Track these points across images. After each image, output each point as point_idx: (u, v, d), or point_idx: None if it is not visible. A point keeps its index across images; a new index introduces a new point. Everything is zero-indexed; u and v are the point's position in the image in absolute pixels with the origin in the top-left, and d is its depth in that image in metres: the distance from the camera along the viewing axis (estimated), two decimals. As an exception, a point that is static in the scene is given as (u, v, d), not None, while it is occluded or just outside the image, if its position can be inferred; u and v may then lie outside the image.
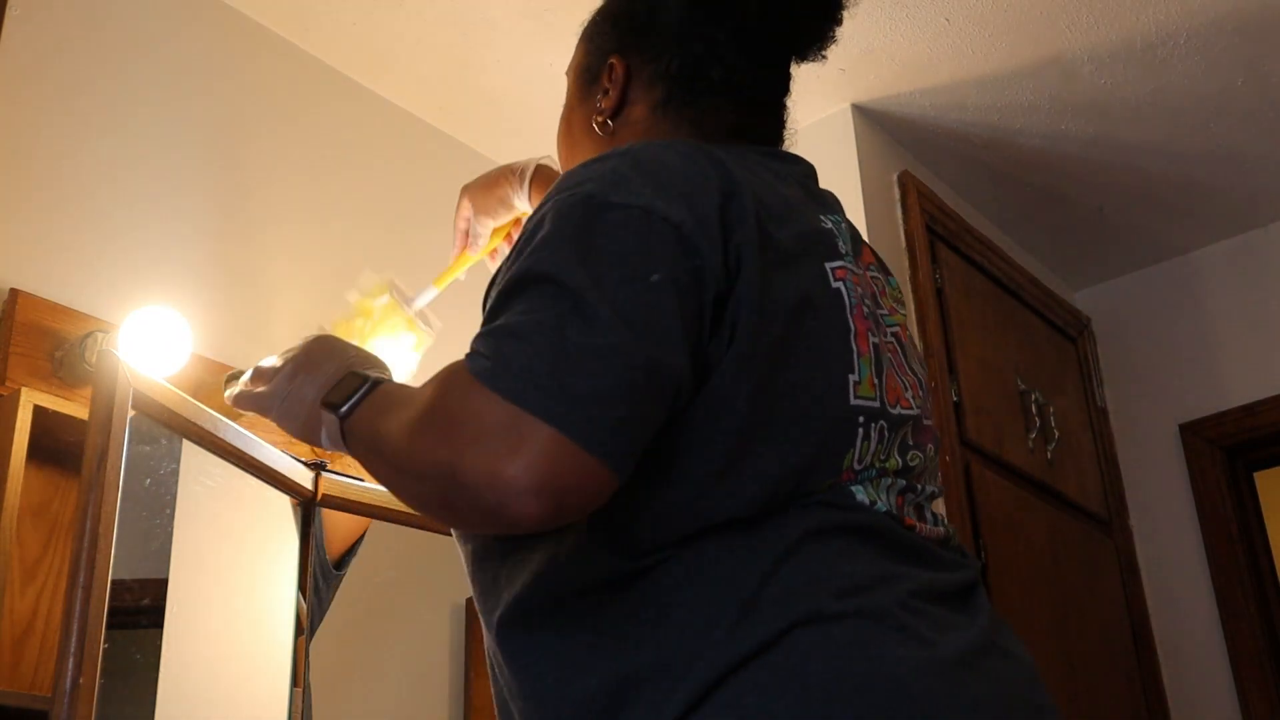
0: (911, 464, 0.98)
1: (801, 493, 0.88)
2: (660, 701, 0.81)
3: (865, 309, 0.98)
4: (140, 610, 1.49)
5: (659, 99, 1.08)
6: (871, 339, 0.97)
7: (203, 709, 1.53)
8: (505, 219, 1.58)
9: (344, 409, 0.91)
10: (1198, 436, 2.98)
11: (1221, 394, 2.98)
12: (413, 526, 1.97)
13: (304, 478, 1.79)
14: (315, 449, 1.96)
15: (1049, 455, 2.78)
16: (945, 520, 1.01)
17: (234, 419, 1.71)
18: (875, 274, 1.07)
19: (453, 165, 2.50)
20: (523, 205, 1.56)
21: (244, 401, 1.07)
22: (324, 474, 1.83)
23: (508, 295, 0.84)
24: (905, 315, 1.10)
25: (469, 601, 2.09)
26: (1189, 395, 3.02)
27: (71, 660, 1.25)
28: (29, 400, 1.61)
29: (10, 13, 1.59)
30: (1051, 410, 2.84)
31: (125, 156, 1.93)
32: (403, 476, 0.85)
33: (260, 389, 1.03)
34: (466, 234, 1.60)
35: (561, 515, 0.77)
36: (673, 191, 0.88)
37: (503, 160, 2.59)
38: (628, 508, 0.84)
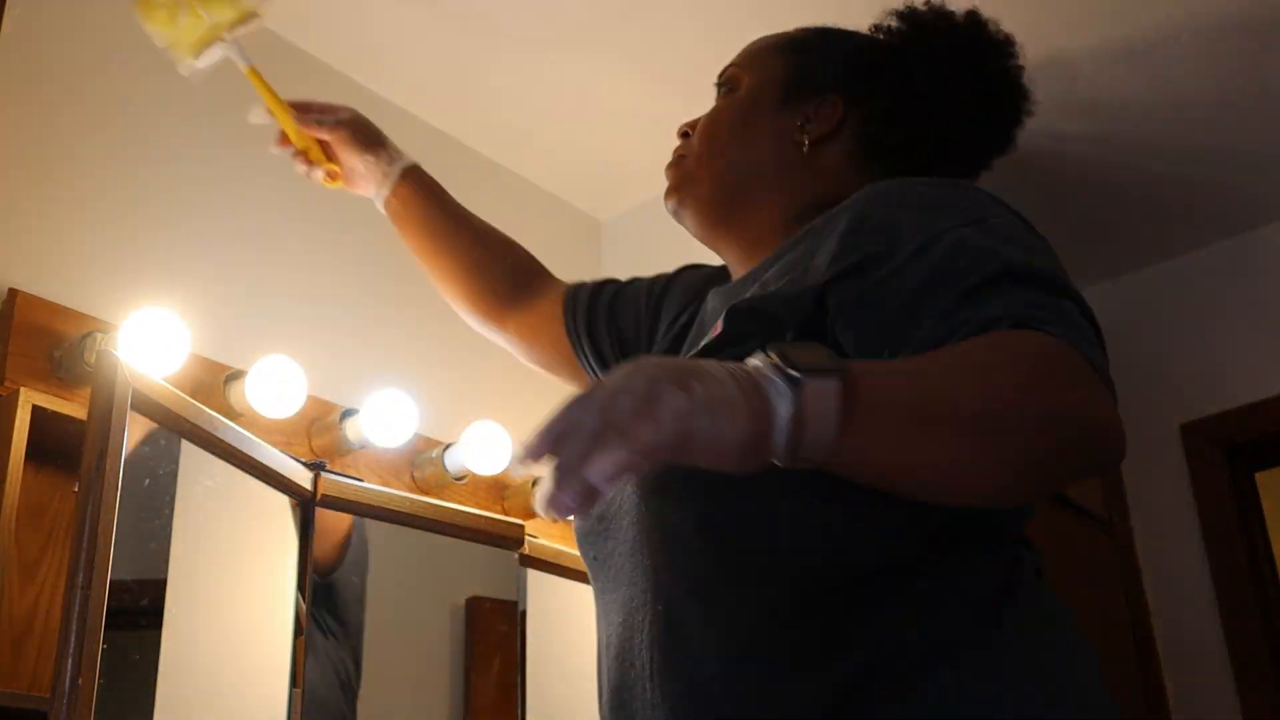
0: None
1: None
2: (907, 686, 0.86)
3: None
4: (139, 611, 1.49)
5: (856, 150, 1.15)
6: None
7: (202, 709, 1.53)
8: (323, 135, 1.54)
9: (845, 375, 0.73)
10: (1198, 437, 2.98)
11: (1222, 394, 2.97)
12: (413, 527, 1.97)
13: (303, 478, 1.79)
14: (308, 452, 1.96)
15: (1049, 455, 2.77)
16: None
17: (232, 419, 1.71)
18: None
19: (453, 165, 2.50)
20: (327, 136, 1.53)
21: (619, 462, 0.69)
22: (323, 474, 1.82)
23: (1026, 282, 0.88)
24: None
25: (469, 601, 2.09)
26: (1189, 395, 3.02)
27: (70, 660, 1.24)
28: (28, 400, 1.61)
29: (10, 12, 1.59)
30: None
31: (125, 156, 1.93)
32: (1015, 432, 0.78)
33: (642, 428, 0.68)
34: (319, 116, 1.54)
35: None
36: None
37: (504, 160, 2.60)
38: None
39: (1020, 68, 1.18)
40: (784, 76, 1.18)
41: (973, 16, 1.18)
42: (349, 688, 1.86)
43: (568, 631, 2.07)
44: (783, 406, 0.71)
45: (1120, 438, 0.82)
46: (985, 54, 1.17)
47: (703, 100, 1.27)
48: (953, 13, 1.18)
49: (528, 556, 2.10)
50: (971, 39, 1.17)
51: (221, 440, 1.61)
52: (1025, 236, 0.95)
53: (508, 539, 2.07)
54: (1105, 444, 0.82)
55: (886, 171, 1.11)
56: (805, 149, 1.14)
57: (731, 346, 0.95)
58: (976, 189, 1.01)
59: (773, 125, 1.16)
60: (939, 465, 0.78)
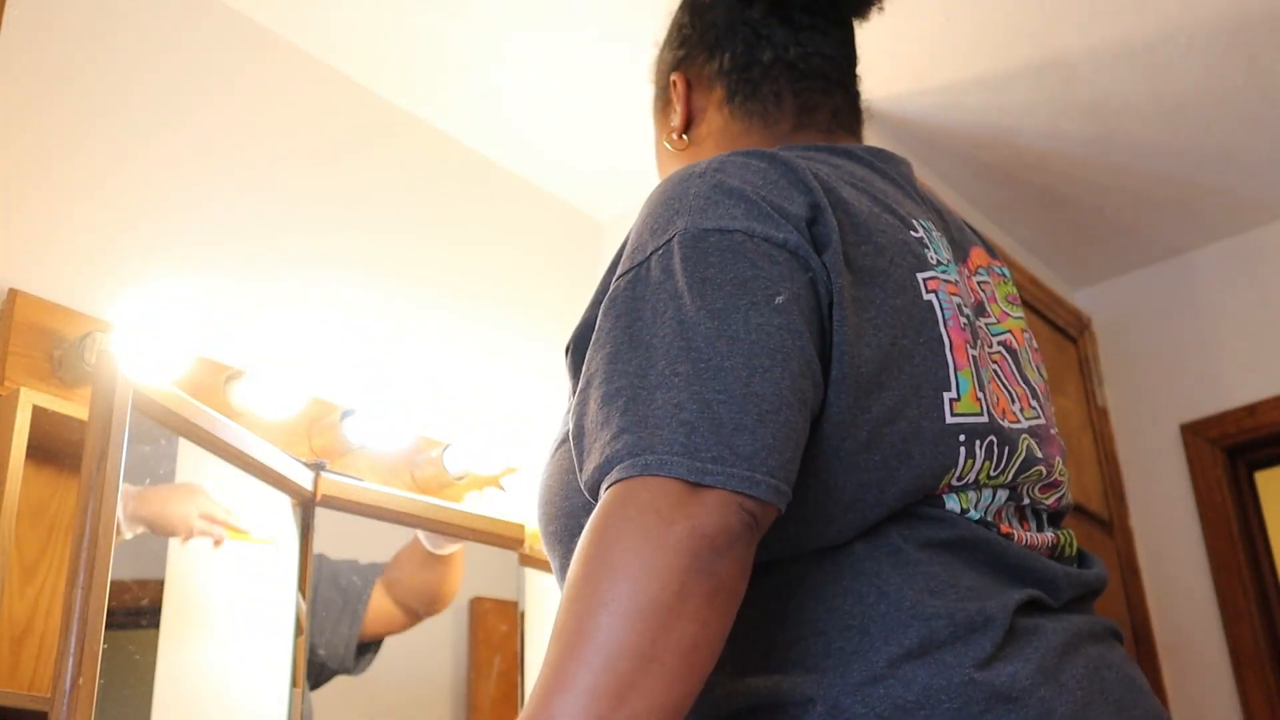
0: (1027, 477, 0.93)
1: (895, 516, 0.85)
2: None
3: (963, 320, 0.93)
4: (139, 610, 1.49)
5: (722, 98, 1.10)
6: (970, 351, 0.92)
7: (201, 709, 1.53)
8: None
9: None
10: (1198, 436, 2.98)
11: (1222, 394, 2.98)
12: (413, 527, 1.97)
13: (303, 478, 1.79)
14: (308, 452, 1.96)
15: (1049, 455, 2.77)
16: (1065, 528, 0.98)
17: (233, 419, 1.71)
18: (984, 278, 1.03)
19: (454, 165, 2.50)
20: None
21: None
22: (323, 474, 1.82)
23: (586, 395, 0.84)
24: (1021, 317, 1.06)
25: (471, 602, 2.09)
26: (1189, 395, 3.02)
27: (70, 660, 1.24)
28: (28, 400, 1.61)
29: (10, 12, 1.59)
30: (1052, 410, 2.84)
31: (125, 157, 1.93)
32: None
33: None
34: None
35: None
36: (765, 210, 0.86)
37: (504, 160, 2.60)
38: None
39: None
40: (654, 96, 1.18)
41: None
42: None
43: (568, 631, 2.06)
44: None
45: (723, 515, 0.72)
46: None
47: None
48: None
49: (528, 556, 2.10)
50: None
51: (221, 440, 1.61)
52: (684, 261, 0.84)
53: (508, 539, 2.07)
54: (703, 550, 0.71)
55: (755, 116, 1.10)
56: (684, 143, 1.12)
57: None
58: (690, 178, 0.90)
59: (662, 136, 1.16)
60: None
